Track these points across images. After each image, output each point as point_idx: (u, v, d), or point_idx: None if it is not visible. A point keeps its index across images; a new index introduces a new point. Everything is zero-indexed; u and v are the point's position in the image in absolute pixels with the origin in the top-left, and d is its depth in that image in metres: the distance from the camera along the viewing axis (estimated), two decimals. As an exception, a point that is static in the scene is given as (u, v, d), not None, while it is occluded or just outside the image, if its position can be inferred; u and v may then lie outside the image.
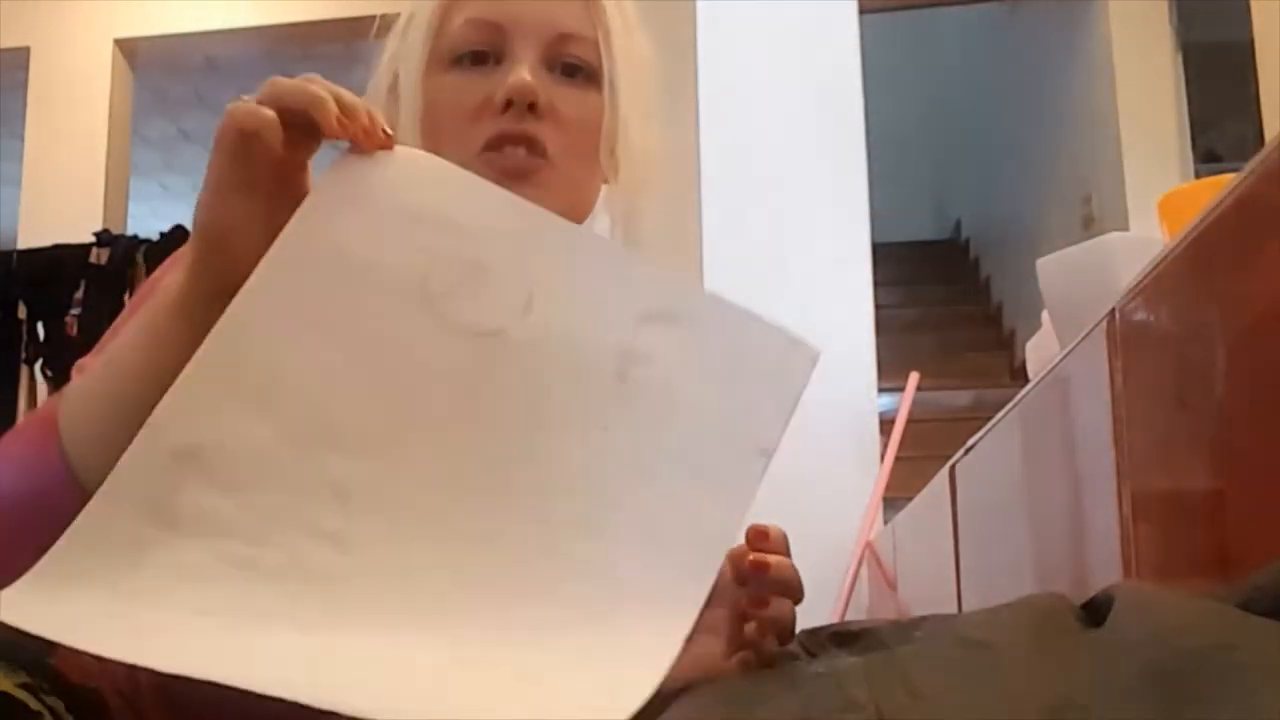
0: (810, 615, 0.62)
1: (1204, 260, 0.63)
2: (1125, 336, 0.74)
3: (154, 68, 4.79)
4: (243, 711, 0.51)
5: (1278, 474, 0.53)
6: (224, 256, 0.60)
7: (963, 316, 6.17)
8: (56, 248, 3.93)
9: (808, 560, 0.64)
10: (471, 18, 0.80)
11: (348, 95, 0.61)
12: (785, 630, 0.61)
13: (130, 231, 4.12)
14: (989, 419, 1.15)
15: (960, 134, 6.90)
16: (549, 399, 0.60)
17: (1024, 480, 1.06)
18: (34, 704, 0.55)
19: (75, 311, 3.83)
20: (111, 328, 0.76)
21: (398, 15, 0.86)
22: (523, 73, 0.77)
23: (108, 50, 4.34)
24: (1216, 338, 0.61)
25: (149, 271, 3.77)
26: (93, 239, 3.92)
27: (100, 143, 4.27)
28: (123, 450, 0.55)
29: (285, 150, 0.60)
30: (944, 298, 6.44)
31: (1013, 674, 0.43)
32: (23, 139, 4.35)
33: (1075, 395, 0.88)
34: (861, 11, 2.40)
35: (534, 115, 0.77)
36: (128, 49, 4.43)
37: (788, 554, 0.62)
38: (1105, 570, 0.76)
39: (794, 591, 0.61)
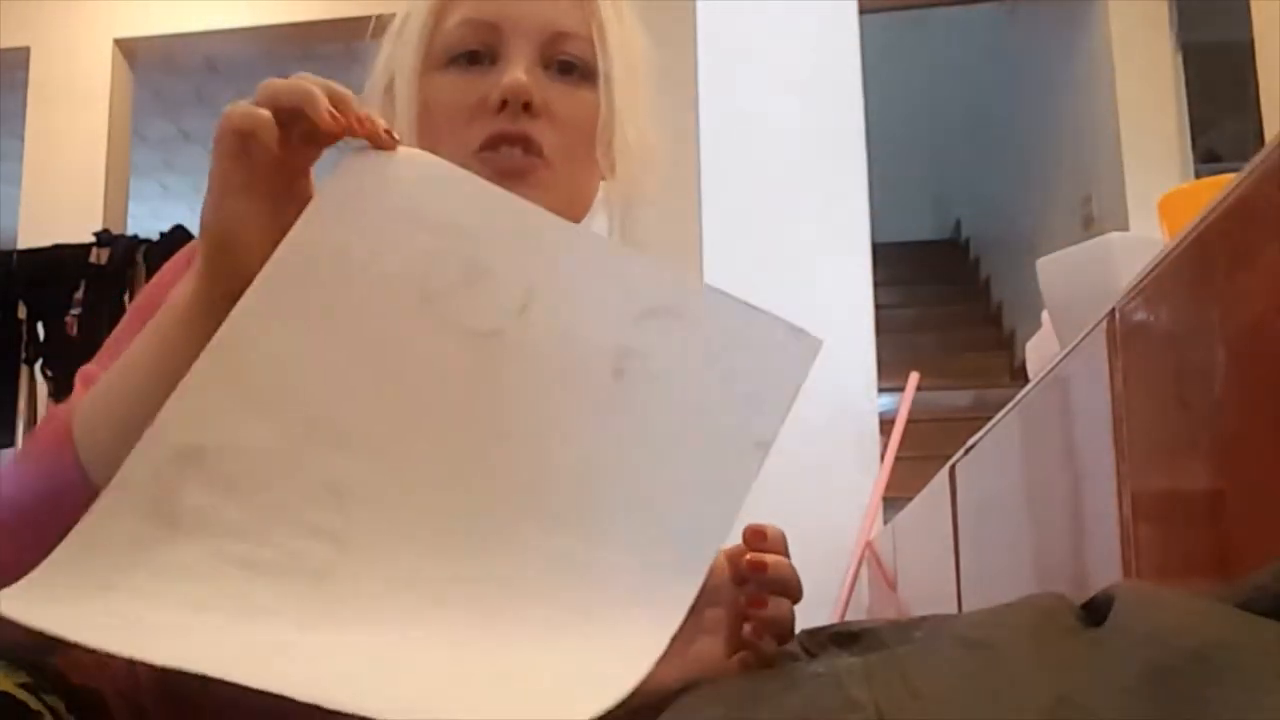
0: (810, 615, 0.62)
1: (1204, 260, 0.63)
2: (1125, 336, 0.74)
3: (154, 68, 4.79)
4: (242, 710, 0.51)
5: (1278, 474, 0.53)
6: (230, 258, 0.60)
7: (963, 316, 6.17)
8: (56, 248, 3.93)
9: (807, 560, 0.64)
10: (466, 18, 0.80)
11: (340, 89, 0.61)
12: (784, 630, 0.61)
13: (130, 231, 4.12)
14: (989, 419, 1.15)
15: (960, 134, 6.89)
16: (546, 398, 0.60)
17: (1024, 480, 1.06)
18: (34, 704, 0.55)
19: (75, 311, 3.83)
20: (113, 334, 0.76)
21: (393, 16, 0.86)
22: (517, 72, 0.77)
23: (108, 50, 4.34)
24: (1216, 338, 0.61)
25: (149, 271, 3.79)
26: (93, 239, 3.92)
27: (100, 143, 4.27)
28: None
29: (287, 152, 0.61)
30: (944, 298, 6.44)
31: (1013, 674, 0.43)
32: (23, 139, 4.35)
33: (1075, 395, 0.88)
34: (861, 11, 2.40)
35: (529, 115, 0.77)
36: (128, 49, 4.43)
37: (786, 554, 0.62)
38: (1105, 570, 0.76)
39: (792, 591, 0.61)
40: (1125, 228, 3.59)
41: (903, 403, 2.15)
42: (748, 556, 0.61)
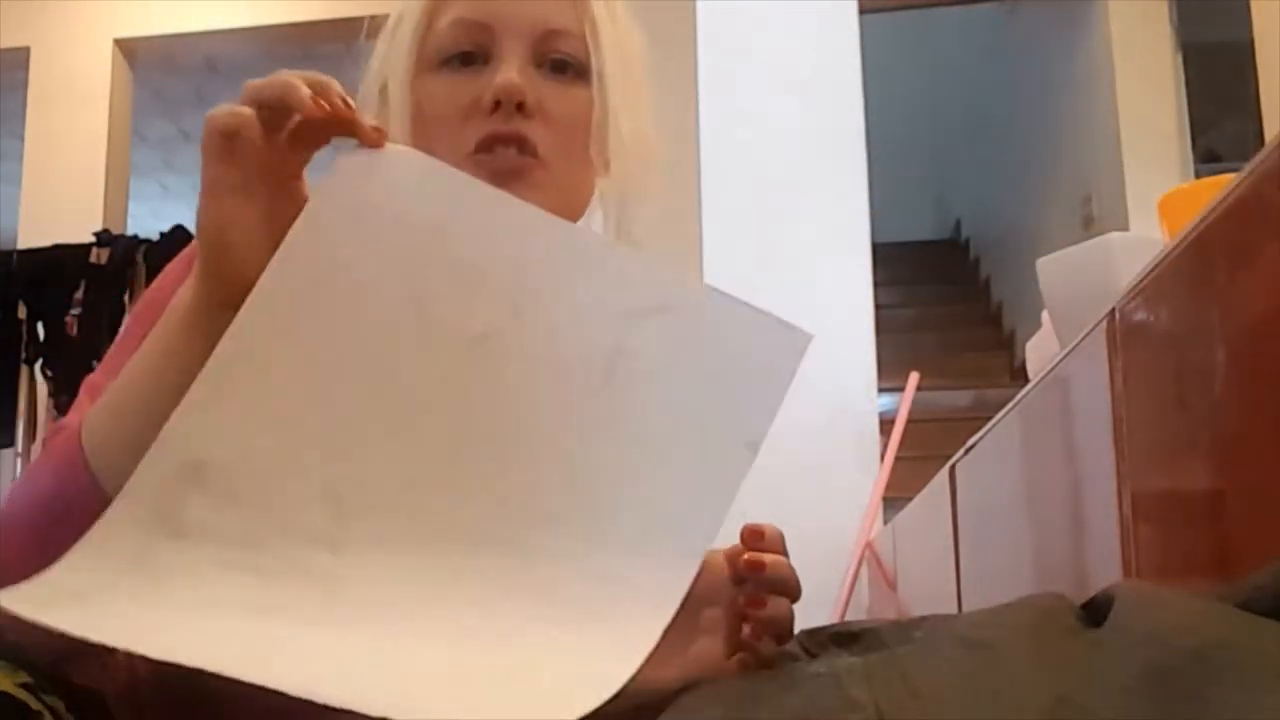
0: (810, 615, 0.62)
1: (1204, 260, 0.63)
2: (1125, 336, 0.74)
3: (154, 68, 4.79)
4: (242, 709, 0.52)
5: (1278, 474, 0.53)
6: (227, 260, 0.60)
7: (963, 316, 6.17)
8: (56, 248, 3.93)
9: (807, 560, 0.64)
10: (458, 18, 0.80)
11: (321, 76, 0.61)
12: (783, 630, 0.61)
13: (130, 231, 4.12)
14: (989, 419, 1.15)
15: (960, 134, 6.89)
16: (540, 399, 0.60)
17: (1024, 480, 1.06)
18: (34, 704, 0.55)
19: (75, 311, 3.82)
20: (115, 340, 0.77)
21: (386, 17, 0.85)
22: (510, 72, 0.77)
23: (108, 50, 4.34)
24: (1216, 338, 0.61)
25: (149, 271, 3.79)
26: (93, 239, 3.91)
27: (100, 143, 4.27)
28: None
29: (277, 152, 0.60)
30: (944, 298, 6.44)
31: (1013, 674, 0.43)
32: (23, 139, 4.35)
33: (1075, 395, 0.88)
34: (861, 11, 2.40)
35: (523, 114, 0.77)
36: (128, 49, 4.43)
37: (784, 553, 0.62)
38: (1105, 570, 0.76)
39: (791, 590, 0.61)
40: (1125, 228, 3.59)
41: (903, 403, 2.15)
42: (745, 556, 0.61)
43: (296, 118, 0.60)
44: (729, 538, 0.63)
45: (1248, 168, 0.57)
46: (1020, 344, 4.09)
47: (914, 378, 2.16)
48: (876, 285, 2.28)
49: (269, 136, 0.60)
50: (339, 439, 0.59)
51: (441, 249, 0.61)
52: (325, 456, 0.58)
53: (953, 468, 1.33)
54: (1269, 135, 0.99)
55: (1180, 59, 3.86)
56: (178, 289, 0.65)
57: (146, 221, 5.02)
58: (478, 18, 0.79)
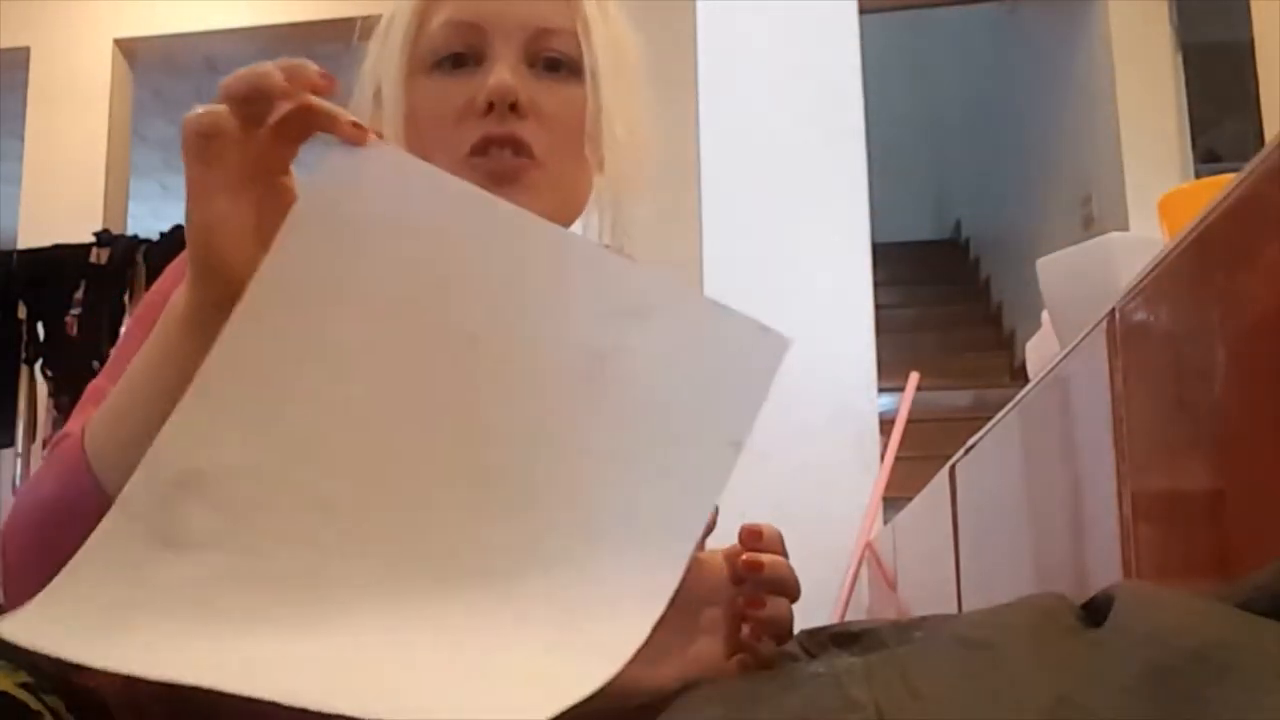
0: (810, 615, 0.62)
1: (1204, 260, 0.63)
2: (1125, 336, 0.74)
3: (154, 68, 4.79)
4: (242, 712, 0.52)
5: (1278, 474, 0.53)
6: (218, 261, 0.60)
7: (963, 316, 6.17)
8: (56, 248, 3.93)
9: (807, 560, 0.64)
10: (449, 20, 0.79)
11: (294, 60, 0.60)
12: (782, 630, 0.61)
13: (130, 231, 4.12)
14: (989, 419, 1.15)
15: (960, 134, 6.89)
16: (524, 402, 0.60)
17: (1024, 480, 1.06)
18: (34, 704, 0.55)
19: (75, 311, 3.82)
20: (117, 344, 0.77)
21: (378, 18, 0.85)
22: (503, 73, 0.77)
23: (108, 50, 4.34)
24: (1216, 338, 0.61)
25: (149, 271, 3.78)
26: (93, 239, 3.91)
27: (100, 143, 4.27)
28: None
29: (257, 147, 0.60)
30: (944, 298, 6.44)
31: (1013, 674, 0.43)
32: (23, 139, 4.35)
33: (1075, 395, 0.88)
34: (861, 11, 2.41)
35: (517, 115, 0.77)
36: (128, 49, 4.43)
37: (783, 553, 0.62)
38: (1105, 570, 0.76)
39: (790, 590, 0.61)
40: (1125, 228, 3.59)
41: (903, 403, 2.15)
42: (744, 557, 0.61)
43: (285, 108, 0.59)
44: (728, 538, 0.63)
45: (1248, 168, 0.57)
46: (1020, 344, 4.09)
47: (914, 378, 2.16)
48: (876, 285, 2.28)
49: (249, 132, 0.59)
50: (331, 445, 0.59)
51: (427, 251, 0.61)
52: (318, 466, 0.58)
53: (953, 468, 1.33)
54: (1269, 135, 0.99)
55: (1180, 59, 3.86)
56: (176, 290, 0.65)
57: (146, 221, 5.01)
58: (469, 18, 0.79)
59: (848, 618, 1.99)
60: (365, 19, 0.86)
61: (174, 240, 3.83)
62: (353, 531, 0.58)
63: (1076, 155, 4.44)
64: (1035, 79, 5.11)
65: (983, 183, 6.45)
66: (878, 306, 2.25)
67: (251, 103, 0.59)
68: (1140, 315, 0.72)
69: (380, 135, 0.61)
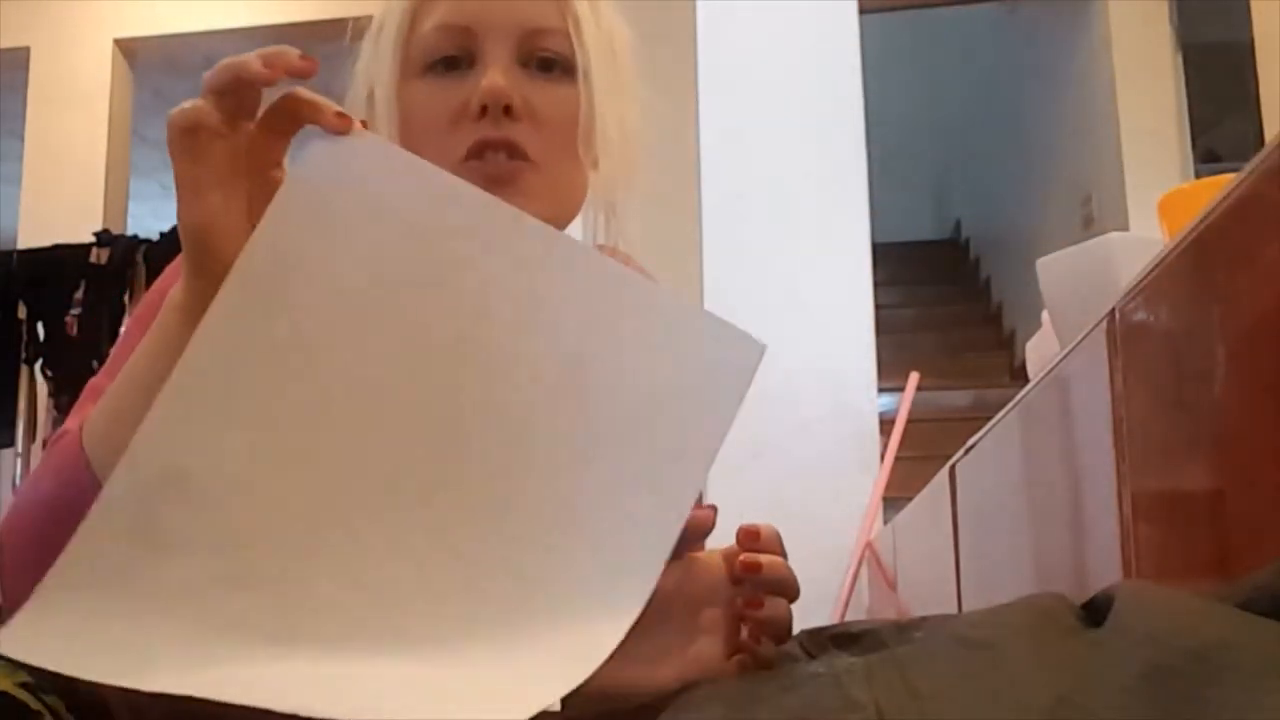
0: (811, 616, 0.62)
1: (1204, 260, 0.63)
2: (1125, 336, 0.74)
3: (154, 68, 4.79)
4: (242, 712, 0.52)
5: (1278, 474, 0.53)
6: (212, 256, 0.60)
7: (963, 316, 6.17)
8: (56, 248, 3.93)
9: (807, 560, 0.64)
10: (440, 23, 0.79)
11: (275, 47, 0.60)
12: (781, 630, 0.61)
13: (130, 231, 4.12)
14: (989, 419, 1.15)
15: (960, 134, 6.90)
16: (501, 402, 0.60)
17: (1024, 480, 1.06)
18: (34, 704, 0.55)
19: (75, 311, 3.82)
20: (117, 343, 0.76)
21: (370, 19, 0.85)
22: (495, 76, 0.77)
23: (108, 50, 4.34)
24: (1216, 338, 0.61)
25: (149, 271, 3.78)
26: (93, 239, 3.91)
27: (100, 143, 4.27)
28: None
29: (248, 141, 0.60)
30: (944, 298, 6.44)
31: (1013, 674, 0.43)
32: (23, 139, 4.35)
33: (1075, 395, 0.88)
34: (861, 11, 2.41)
35: (510, 118, 0.77)
36: (128, 49, 4.43)
37: (781, 553, 0.62)
38: (1105, 570, 0.76)
39: (788, 590, 0.61)
40: (1125, 228, 3.60)
41: (903, 403, 2.15)
42: (741, 557, 0.61)
43: (281, 100, 0.59)
44: (728, 538, 0.63)
45: (1248, 168, 0.57)
46: (1020, 344, 4.09)
47: (914, 378, 2.16)
48: (876, 285, 2.28)
49: (235, 126, 0.59)
50: (310, 442, 0.58)
51: (410, 243, 0.60)
52: (296, 461, 0.58)
53: (953, 468, 1.33)
54: (1269, 135, 0.99)
55: (1180, 59, 3.86)
56: (173, 287, 0.65)
57: (146, 221, 5.01)
58: (460, 21, 0.79)
59: (848, 618, 1.99)
60: (357, 20, 0.86)
61: (174, 240, 3.80)
62: (332, 530, 0.57)
63: (1076, 155, 4.44)
64: (1035, 79, 5.11)
65: (983, 183, 6.45)
66: (878, 306, 2.25)
67: (232, 94, 0.59)
68: (1140, 315, 0.72)
69: (365, 125, 0.61)
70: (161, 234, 3.91)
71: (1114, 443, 0.74)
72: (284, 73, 0.59)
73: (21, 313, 3.90)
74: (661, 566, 0.57)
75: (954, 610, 1.25)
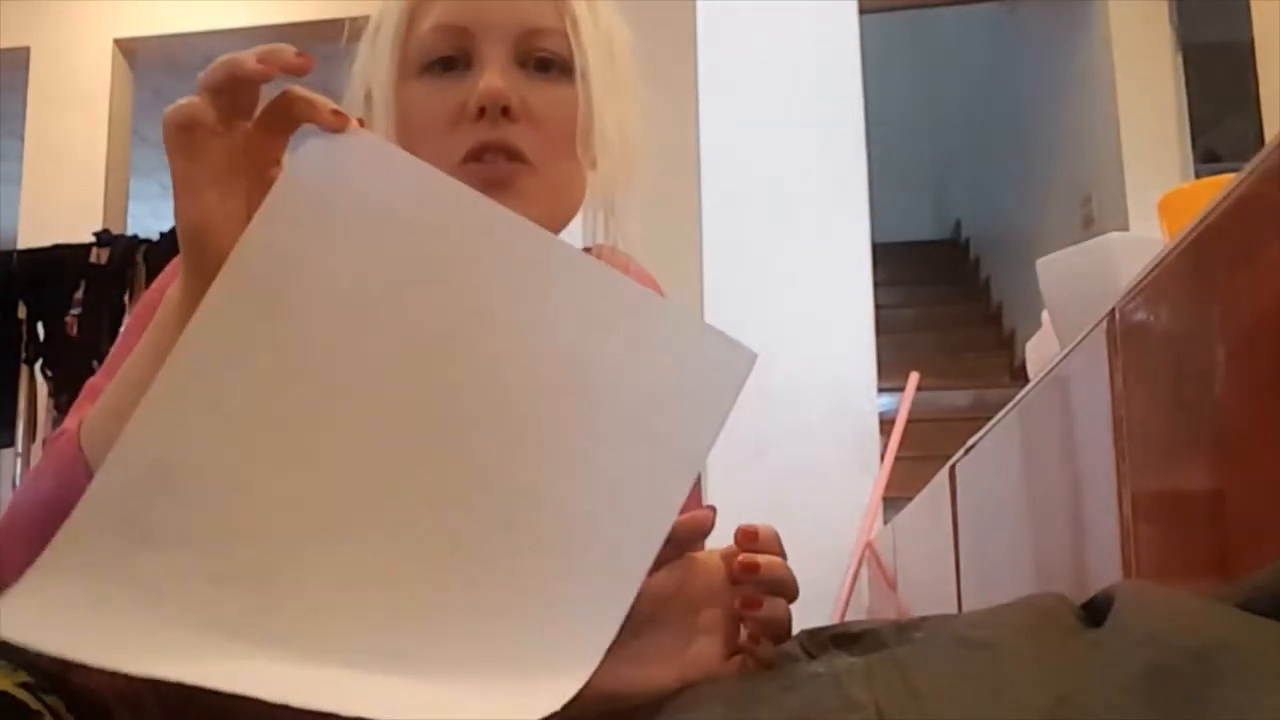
0: (811, 616, 0.62)
1: (1204, 260, 0.63)
2: (1125, 336, 0.74)
3: (154, 68, 4.79)
4: (242, 713, 0.52)
5: (1278, 474, 0.53)
6: (208, 254, 0.60)
7: (963, 316, 6.17)
8: (56, 248, 3.93)
9: (807, 560, 0.64)
10: (437, 23, 0.79)
11: (271, 45, 0.60)
12: (780, 630, 0.61)
13: (130, 231, 4.12)
14: (989, 419, 1.15)
15: (960, 134, 6.90)
16: (491, 404, 0.60)
17: (1024, 480, 1.06)
18: (34, 704, 0.55)
19: (75, 311, 3.82)
20: (116, 342, 0.76)
21: (367, 19, 0.84)
22: (493, 77, 0.76)
23: (108, 50, 4.34)
24: (1216, 338, 0.61)
25: (149, 271, 3.78)
26: (93, 239, 3.91)
27: (100, 143, 4.27)
28: None
29: (246, 139, 0.59)
30: (944, 298, 6.44)
31: (1013, 674, 0.43)
32: (23, 139, 4.35)
33: (1075, 395, 0.88)
34: (861, 11, 2.41)
35: (508, 119, 0.76)
36: (128, 49, 4.43)
37: (780, 553, 0.62)
38: (1105, 570, 0.76)
39: (787, 590, 0.61)
40: (1125, 228, 3.59)
41: (903, 403, 2.15)
42: (740, 558, 0.60)
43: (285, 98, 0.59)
44: (727, 538, 0.63)
45: (1248, 168, 0.57)
46: (1020, 344, 4.09)
47: (914, 378, 2.16)
48: (876, 285, 2.28)
49: (231, 123, 0.59)
50: (299, 441, 0.58)
51: (404, 242, 0.60)
52: (285, 460, 0.58)
53: (953, 468, 1.33)
54: (1269, 135, 0.99)
55: (1180, 59, 3.86)
56: (171, 286, 0.65)
57: (146, 221, 5.02)
58: (457, 21, 0.78)
59: (848, 618, 1.99)
60: (354, 20, 0.86)
61: (174, 240, 3.75)
62: (321, 528, 0.57)
63: (1076, 155, 4.44)
64: (1035, 79, 5.11)
65: (983, 183, 6.45)
66: (878, 306, 2.26)
67: (228, 91, 0.59)
68: (1140, 315, 0.72)
69: (362, 122, 0.61)
70: (161, 234, 3.91)
71: (1114, 443, 0.74)
72: (279, 70, 0.59)
73: (21, 313, 3.90)
74: (645, 571, 0.57)
75: (954, 610, 1.25)
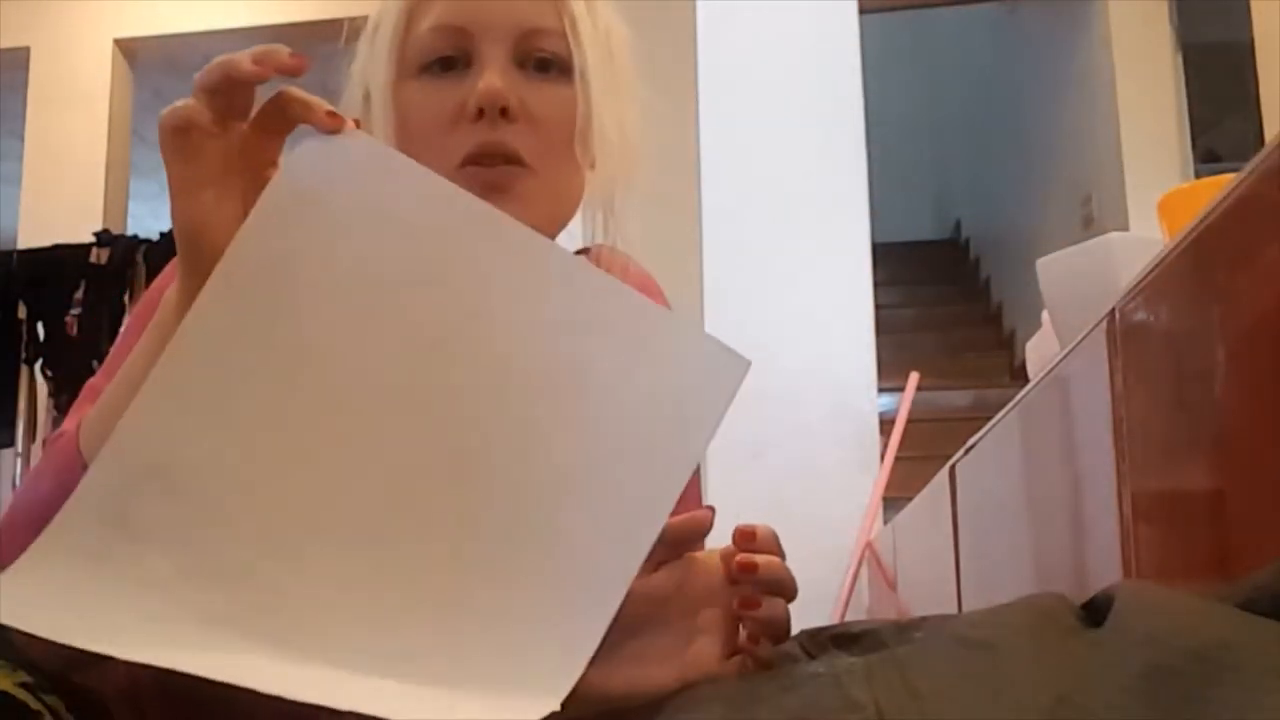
0: (811, 616, 0.62)
1: (1204, 260, 0.63)
2: (1125, 336, 0.74)
3: (154, 68, 4.79)
4: (241, 713, 0.52)
5: (1278, 474, 0.53)
6: (204, 255, 0.60)
7: (963, 316, 6.17)
8: (56, 248, 3.93)
9: (807, 560, 0.64)
10: (436, 23, 0.79)
11: (266, 45, 0.60)
12: (779, 630, 0.61)
13: (130, 231, 4.12)
14: (989, 419, 1.15)
15: (960, 134, 6.90)
16: (483, 407, 0.60)
17: (1024, 480, 1.06)
18: (34, 704, 0.55)
19: (75, 311, 3.83)
20: (115, 343, 0.77)
21: (365, 19, 0.84)
22: (492, 78, 0.76)
23: (108, 50, 4.34)
24: (1216, 338, 0.61)
25: (149, 271, 3.78)
26: (93, 239, 3.92)
27: (100, 143, 4.27)
28: None
29: (242, 141, 0.59)
30: (944, 298, 6.44)
31: (1013, 674, 0.43)
32: (23, 139, 4.35)
33: (1075, 395, 0.88)
34: (861, 11, 2.41)
35: (507, 119, 0.76)
36: (128, 49, 4.43)
37: (778, 552, 0.62)
38: (1105, 570, 0.76)
39: (786, 590, 0.61)
40: (1125, 228, 3.60)
41: (903, 403, 2.15)
42: (738, 558, 0.60)
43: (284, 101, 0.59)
44: (726, 538, 0.63)
45: (1248, 168, 0.57)
46: (1020, 344, 4.09)
47: (914, 378, 2.16)
48: (876, 285, 2.28)
49: (227, 125, 0.59)
50: (291, 440, 0.58)
51: (398, 245, 0.60)
52: (276, 458, 0.58)
53: (953, 468, 1.33)
54: (1269, 135, 0.99)
55: (1180, 59, 3.87)
56: (169, 287, 0.65)
57: (146, 221, 5.01)
58: (456, 21, 0.78)
59: (848, 618, 1.99)
60: (353, 20, 0.86)
61: (174, 240, 3.82)
62: (310, 528, 0.57)
63: (1076, 155, 4.44)
64: (1035, 79, 5.11)
65: (983, 183, 6.45)
66: (878, 306, 2.25)
67: (223, 93, 0.59)
68: (1140, 315, 0.72)
69: (358, 124, 0.61)
70: (161, 234, 3.92)
71: (1114, 443, 0.74)
72: (274, 71, 0.59)
73: (21, 313, 3.90)
74: (632, 575, 0.57)
75: (954, 610, 1.25)
